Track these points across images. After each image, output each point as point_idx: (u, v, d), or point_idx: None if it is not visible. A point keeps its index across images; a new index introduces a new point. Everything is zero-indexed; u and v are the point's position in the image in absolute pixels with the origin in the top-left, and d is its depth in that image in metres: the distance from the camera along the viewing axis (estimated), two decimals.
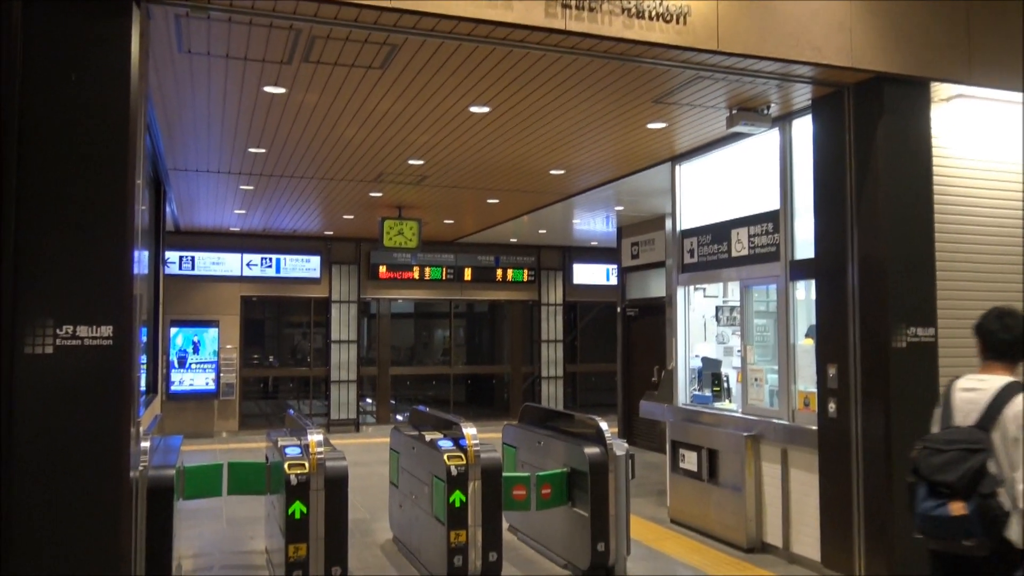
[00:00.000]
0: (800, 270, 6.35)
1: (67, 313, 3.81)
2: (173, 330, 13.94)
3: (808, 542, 6.15)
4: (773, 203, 6.68)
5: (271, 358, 17.03)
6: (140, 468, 4.67)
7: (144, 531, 4.78)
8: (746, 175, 7.27)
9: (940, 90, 5.78)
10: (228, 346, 14.39)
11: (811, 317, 6.43)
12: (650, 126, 6.88)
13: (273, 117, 6.63)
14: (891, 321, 5.41)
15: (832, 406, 5.77)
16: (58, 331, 3.80)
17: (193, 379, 14.01)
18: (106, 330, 3.86)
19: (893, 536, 5.30)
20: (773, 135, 6.68)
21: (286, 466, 5.19)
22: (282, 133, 7.15)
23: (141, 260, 4.30)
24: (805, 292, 6.44)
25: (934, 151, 5.69)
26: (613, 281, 16.27)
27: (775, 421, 6.48)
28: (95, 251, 3.89)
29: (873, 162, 5.54)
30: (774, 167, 6.69)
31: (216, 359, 14.15)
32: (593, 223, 13.30)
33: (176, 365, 13.91)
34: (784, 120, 6.52)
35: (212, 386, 14.09)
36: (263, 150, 7.80)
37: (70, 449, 3.77)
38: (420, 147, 7.67)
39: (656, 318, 12.03)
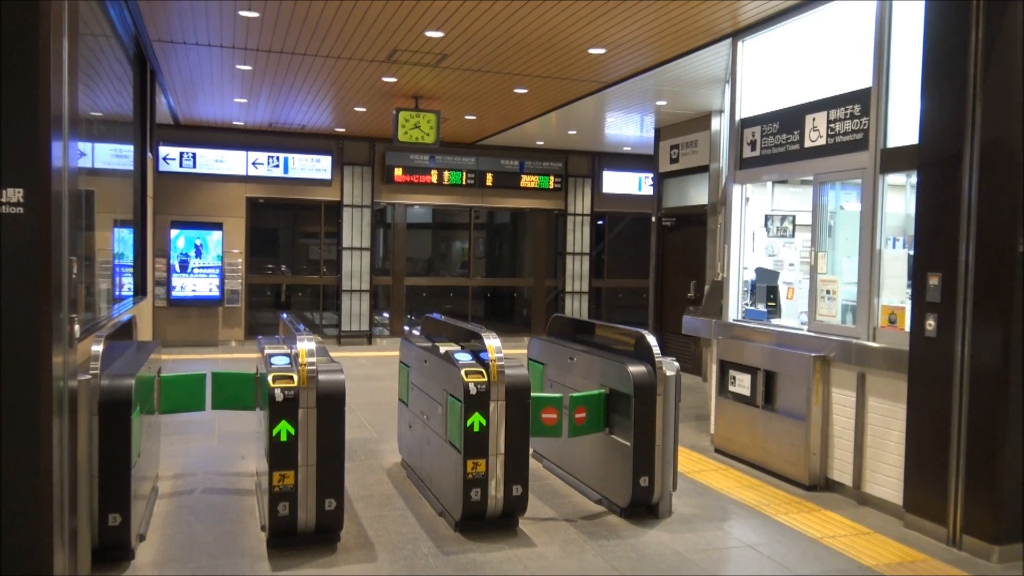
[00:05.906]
0: (896, 160, 5.26)
1: None
2: (174, 232, 13.06)
3: (885, 482, 5.25)
4: (862, 80, 5.54)
5: (284, 267, 16.15)
6: (85, 376, 3.80)
7: (97, 450, 3.97)
8: (826, 49, 6.10)
9: None
10: (234, 251, 13.51)
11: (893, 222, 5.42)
12: None
13: None
14: (1020, 221, 4.35)
15: (931, 324, 4.77)
16: None
17: (196, 284, 13.19)
18: (14, 194, 2.91)
19: (1002, 482, 4.38)
20: None
21: (271, 379, 4.28)
22: None
23: (67, 115, 3.31)
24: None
25: None
26: (646, 191, 15.15)
27: (852, 340, 5.50)
28: None
29: (1009, 20, 4.38)
30: (865, 35, 5.53)
31: (220, 264, 13.30)
32: (627, 125, 12.11)
33: (177, 269, 13.08)
34: None
35: (216, 292, 13.28)
36: (255, 14, 6.68)
37: None
38: (438, 11, 6.51)
39: (694, 229, 10.99)
